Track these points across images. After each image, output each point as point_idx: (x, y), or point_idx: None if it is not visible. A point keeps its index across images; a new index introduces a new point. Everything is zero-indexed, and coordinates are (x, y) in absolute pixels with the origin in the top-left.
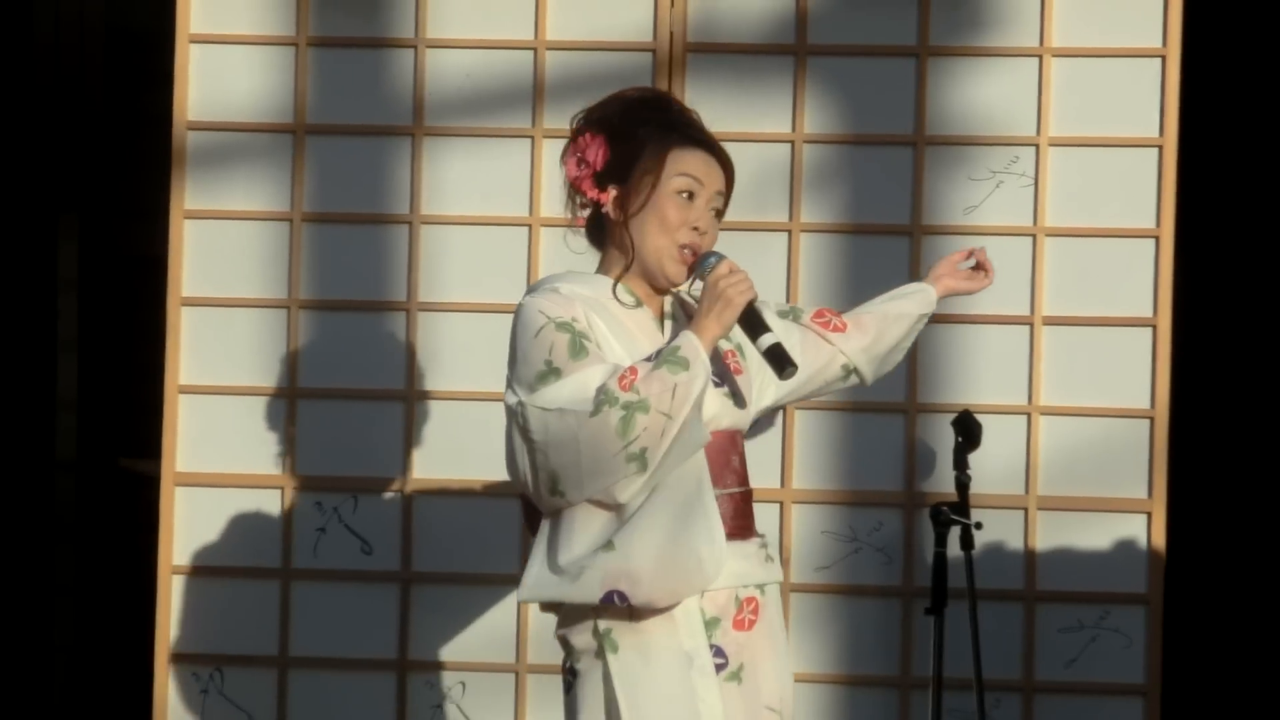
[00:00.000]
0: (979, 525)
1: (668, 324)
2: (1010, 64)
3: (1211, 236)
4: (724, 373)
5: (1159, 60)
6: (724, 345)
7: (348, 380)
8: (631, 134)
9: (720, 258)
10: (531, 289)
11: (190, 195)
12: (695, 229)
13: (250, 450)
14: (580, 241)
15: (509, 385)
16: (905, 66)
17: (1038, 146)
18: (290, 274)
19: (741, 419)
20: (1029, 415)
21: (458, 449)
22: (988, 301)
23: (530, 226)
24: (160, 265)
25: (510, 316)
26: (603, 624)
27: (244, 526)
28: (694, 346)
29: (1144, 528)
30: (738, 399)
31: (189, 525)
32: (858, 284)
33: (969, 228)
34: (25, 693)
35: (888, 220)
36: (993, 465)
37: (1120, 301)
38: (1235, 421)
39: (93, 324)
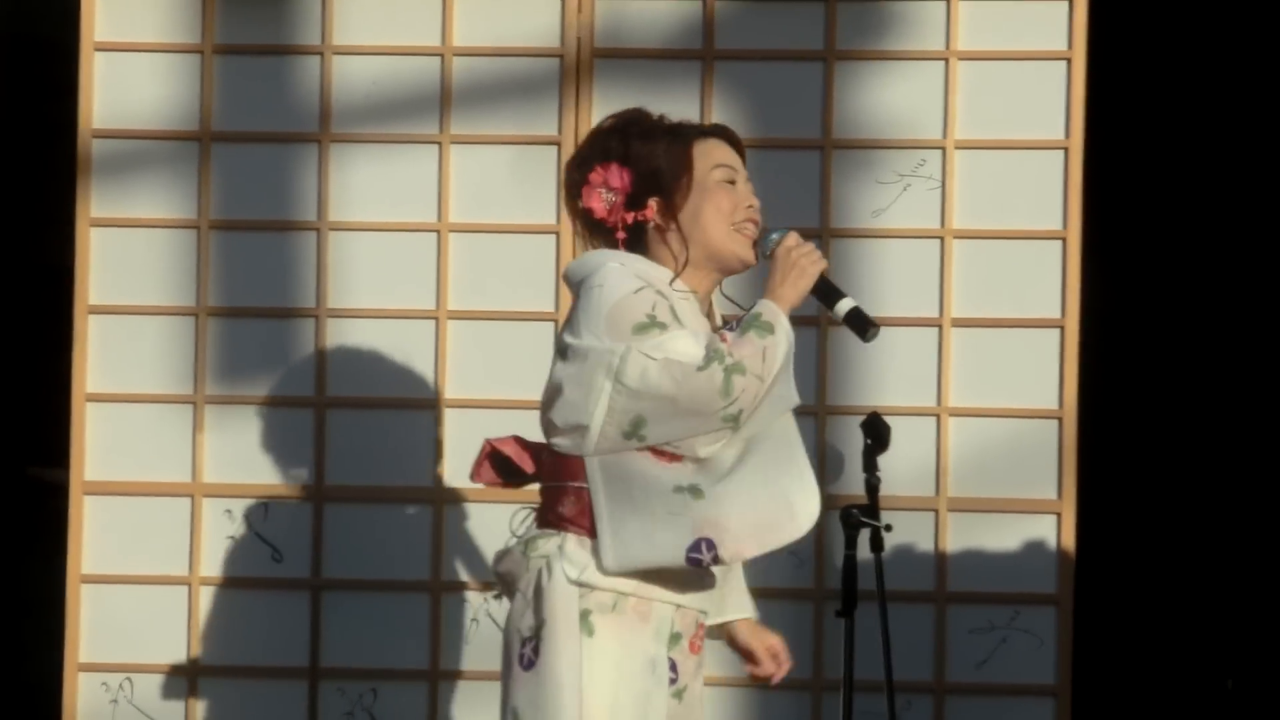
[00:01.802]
0: (889, 527)
1: (715, 313)
2: (917, 68)
3: (1118, 238)
4: None
5: (1064, 63)
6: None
7: (257, 387)
8: (641, 150)
9: (785, 231)
10: (603, 259)
11: (96, 203)
12: (749, 206)
13: (159, 458)
14: (493, 251)
15: (577, 331)
16: (812, 71)
17: (944, 150)
18: (198, 281)
19: None
20: (938, 417)
21: (368, 455)
22: (896, 304)
23: (439, 232)
24: (67, 273)
25: (420, 322)
26: (584, 609)
27: (153, 535)
28: (775, 311)
29: (1054, 528)
30: None
31: (98, 534)
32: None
33: (877, 230)
34: None
35: (796, 223)
36: (902, 467)
37: (1028, 303)
38: (1143, 421)
39: None
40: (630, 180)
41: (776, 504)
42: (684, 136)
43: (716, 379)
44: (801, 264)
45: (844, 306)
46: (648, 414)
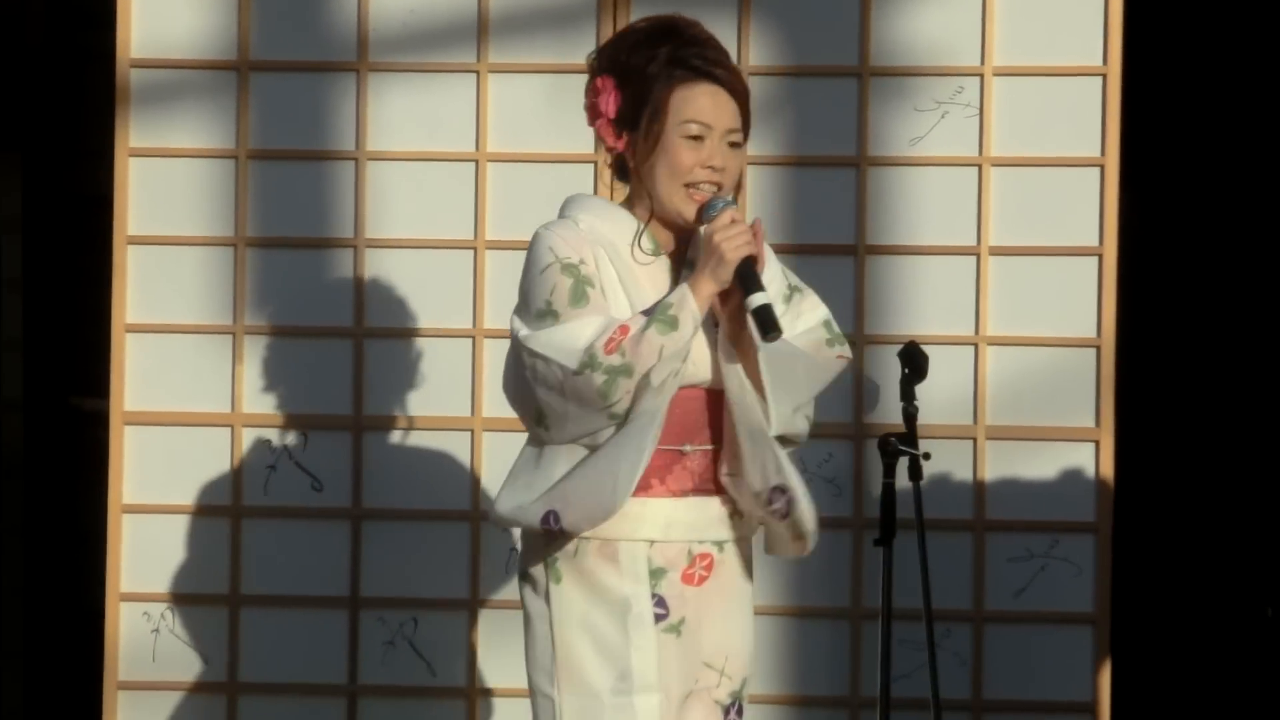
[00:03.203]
0: (927, 456)
1: (685, 272)
2: None
3: (1157, 164)
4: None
5: None
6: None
7: (296, 317)
8: (638, 75)
9: (726, 205)
10: (561, 211)
11: (135, 133)
12: (710, 167)
13: (199, 388)
14: (530, 181)
15: (516, 310)
16: None
17: (982, 76)
18: (237, 212)
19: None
20: (975, 346)
21: (407, 385)
22: (934, 232)
23: (477, 162)
24: (106, 204)
25: (457, 253)
26: (551, 556)
27: (194, 465)
28: (685, 302)
29: (1092, 456)
30: (731, 358)
31: (139, 464)
32: (804, 216)
33: (915, 158)
34: None
35: (833, 152)
36: (940, 396)
37: (1066, 231)
38: (1181, 349)
39: (38, 264)
40: (615, 106)
41: (603, 477)
42: (674, 78)
43: (595, 382)
44: (722, 250)
45: (753, 301)
46: (544, 409)
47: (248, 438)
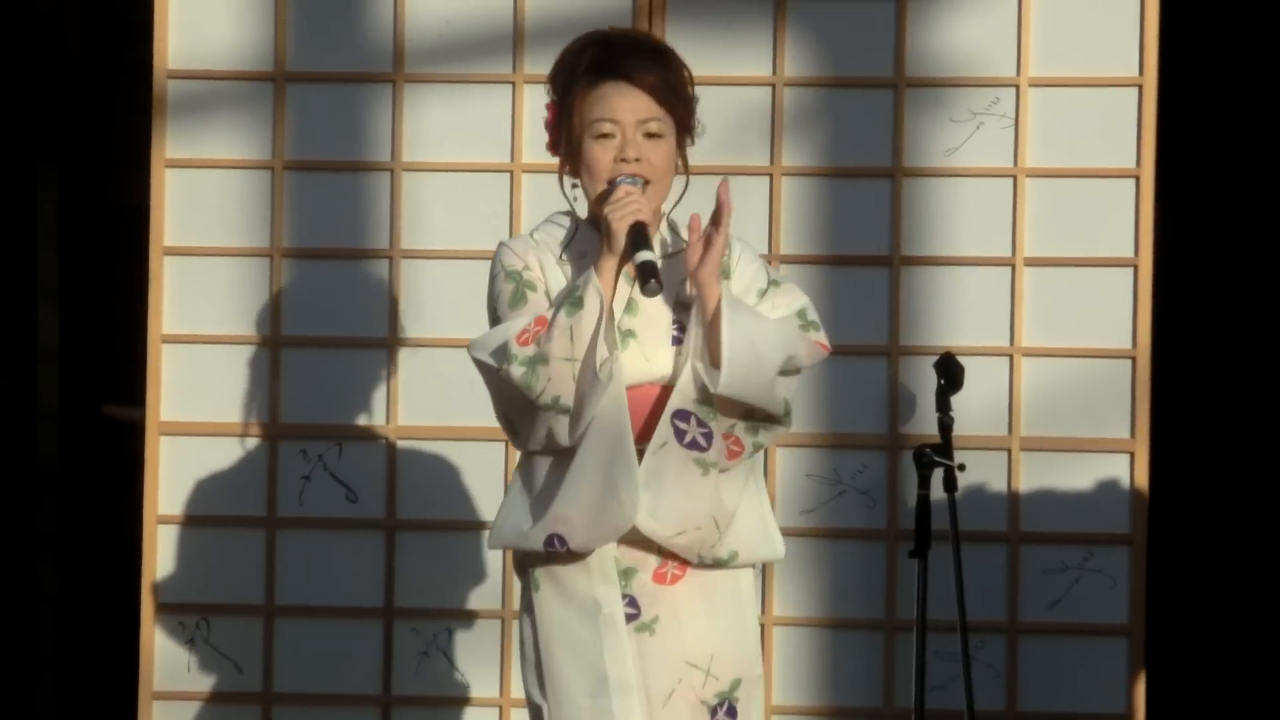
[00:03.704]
0: (962, 467)
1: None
2: (990, 4)
3: (1192, 175)
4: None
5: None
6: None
7: (331, 328)
8: (561, 92)
9: (623, 182)
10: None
11: (171, 144)
12: (624, 160)
13: (234, 399)
14: (558, 191)
15: None
16: (885, 8)
17: (1018, 87)
18: (272, 222)
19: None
20: (1011, 356)
21: (441, 395)
22: (969, 243)
23: (511, 173)
24: (141, 214)
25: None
26: (530, 566)
27: (229, 475)
28: (589, 281)
29: (1127, 468)
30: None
31: (174, 474)
32: (840, 227)
33: (950, 169)
34: (9, 644)
35: (869, 163)
36: (975, 407)
37: (1101, 241)
38: (1217, 360)
39: (74, 274)
40: (552, 126)
41: (608, 498)
42: (576, 87)
43: (514, 376)
44: (609, 220)
45: (638, 258)
46: (504, 415)
47: (283, 448)
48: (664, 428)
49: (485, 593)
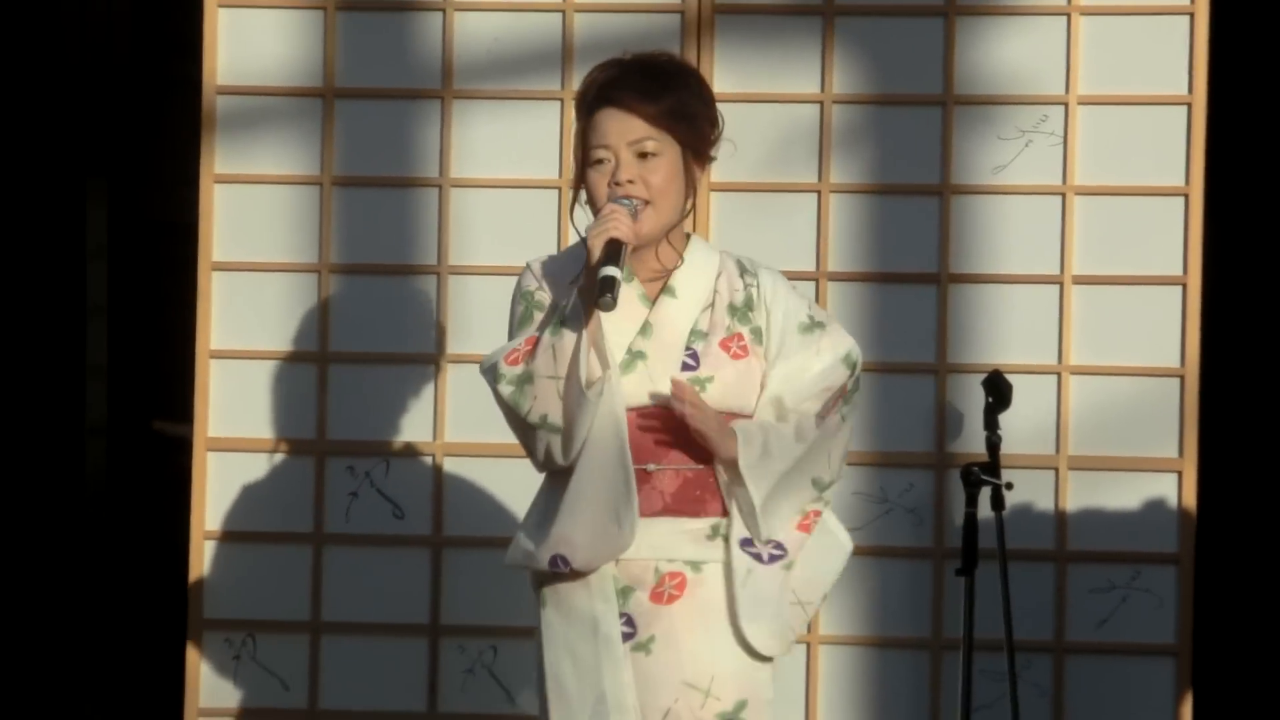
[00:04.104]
0: (1009, 485)
1: (664, 299)
2: (1039, 22)
3: (1241, 194)
4: (709, 354)
5: (1187, 17)
6: (737, 327)
7: (379, 344)
8: (577, 121)
9: (614, 203)
10: None
11: (220, 160)
12: (617, 183)
13: (282, 415)
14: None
15: None
16: (933, 26)
17: (1066, 105)
18: (321, 238)
19: (712, 399)
20: (1059, 375)
21: (489, 412)
22: (1017, 261)
23: (559, 189)
24: (190, 230)
25: None
26: (538, 585)
27: (276, 491)
28: (572, 301)
29: (1174, 487)
30: (708, 382)
31: (221, 490)
32: (888, 244)
33: (998, 187)
34: (58, 660)
35: (917, 180)
36: (1023, 425)
37: (1150, 260)
38: (1265, 380)
39: (122, 290)
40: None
41: (607, 519)
42: (579, 120)
43: (504, 395)
44: (589, 238)
45: (602, 271)
46: (513, 431)
47: (330, 464)
48: (740, 560)
49: (531, 610)
